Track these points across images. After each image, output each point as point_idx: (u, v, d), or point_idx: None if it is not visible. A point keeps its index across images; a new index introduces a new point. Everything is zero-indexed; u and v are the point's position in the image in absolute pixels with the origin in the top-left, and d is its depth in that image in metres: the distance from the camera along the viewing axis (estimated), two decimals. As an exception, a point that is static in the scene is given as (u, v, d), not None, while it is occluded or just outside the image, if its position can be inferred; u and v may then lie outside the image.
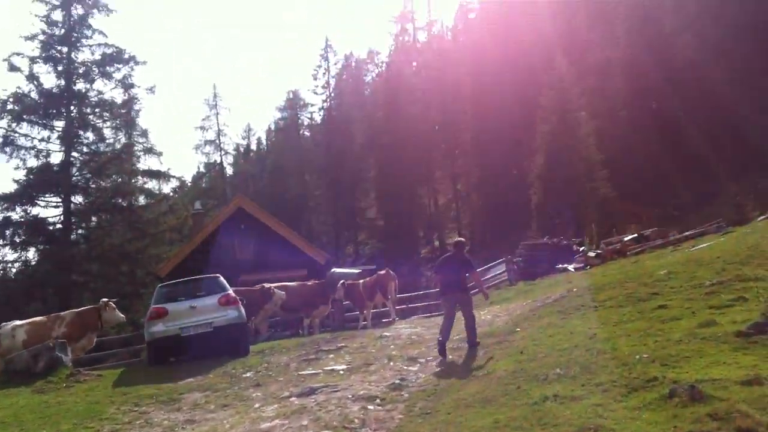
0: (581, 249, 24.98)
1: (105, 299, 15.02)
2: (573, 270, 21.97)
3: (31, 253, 31.55)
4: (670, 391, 6.34)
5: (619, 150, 41.55)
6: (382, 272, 19.43)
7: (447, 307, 11.66)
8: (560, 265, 22.79)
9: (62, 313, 15.00)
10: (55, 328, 14.19)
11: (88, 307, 15.32)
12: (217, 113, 72.84)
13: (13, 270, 30.81)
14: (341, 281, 18.94)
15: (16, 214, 30.53)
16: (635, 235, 24.46)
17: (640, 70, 42.79)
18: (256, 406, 8.94)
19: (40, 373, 12.24)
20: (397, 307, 20.07)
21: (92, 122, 33.13)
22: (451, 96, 59.02)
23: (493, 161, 49.64)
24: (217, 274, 14.98)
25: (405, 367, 10.07)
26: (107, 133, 34.18)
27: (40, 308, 27.01)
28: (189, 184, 72.07)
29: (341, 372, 10.27)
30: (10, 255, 30.69)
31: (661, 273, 12.40)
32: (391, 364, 10.44)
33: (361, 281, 19.46)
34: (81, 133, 32.81)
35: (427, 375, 9.44)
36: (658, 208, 38.74)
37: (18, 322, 14.47)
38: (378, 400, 8.27)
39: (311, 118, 79.01)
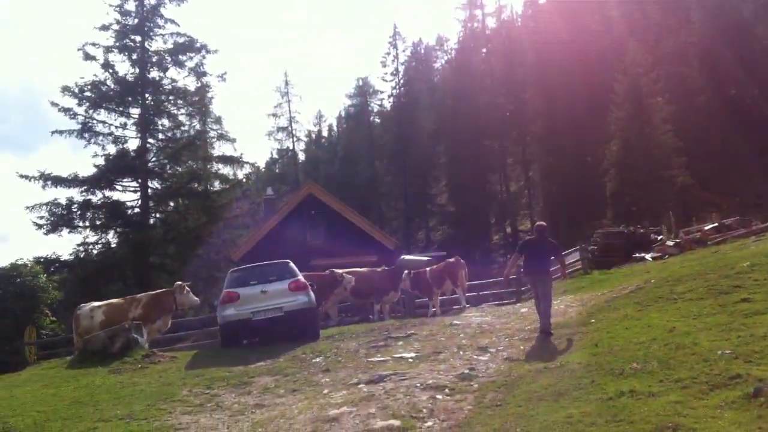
0: (659, 238, 24.24)
1: (180, 282, 15.31)
2: (650, 259, 21.33)
3: (111, 236, 32.42)
4: (755, 390, 6.04)
5: (696, 137, 40.33)
6: (452, 260, 19.25)
7: (532, 285, 12.21)
8: (637, 255, 22.16)
9: (138, 295, 15.36)
10: (132, 309, 14.54)
11: (164, 289, 15.66)
12: (289, 100, 73.53)
13: (94, 252, 31.66)
14: (406, 271, 18.74)
15: (95, 198, 31.46)
16: (716, 224, 23.59)
17: (716, 56, 41.44)
18: (325, 391, 8.93)
19: (116, 354, 12.54)
20: (468, 295, 19.88)
21: (167, 109, 33.75)
22: (521, 83, 58.19)
23: (565, 148, 48.74)
24: (288, 260, 15.08)
25: (475, 357, 9.89)
26: (182, 119, 34.81)
27: (119, 289, 27.80)
28: (262, 170, 73.33)
29: (410, 360, 10.17)
30: (91, 237, 31.57)
31: (744, 265, 11.90)
32: (461, 353, 10.28)
33: (428, 269, 19.26)
34: (156, 120, 33.53)
35: (497, 365, 9.26)
36: (738, 196, 37.45)
37: (96, 304, 14.90)
38: (447, 390, 8.14)
39: (381, 105, 79.06)
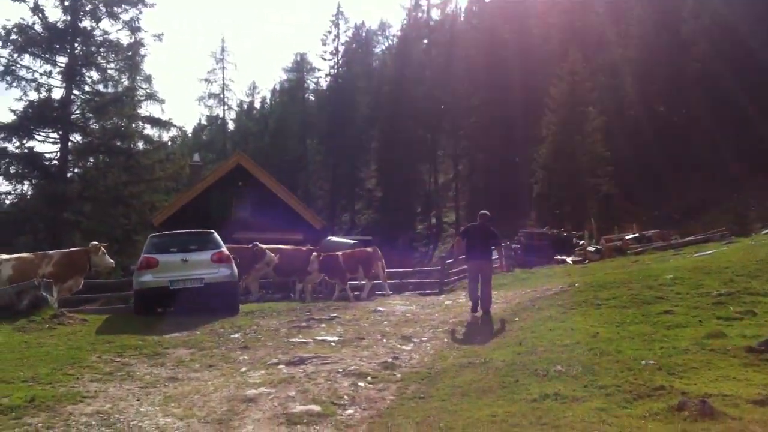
0: (581, 242, 24.72)
1: (95, 242, 14.65)
2: (571, 263, 21.72)
3: (26, 187, 31.17)
4: (680, 404, 6.04)
5: (624, 149, 41.50)
6: (369, 249, 18.89)
7: (473, 271, 12.89)
8: (558, 257, 22.53)
9: (50, 252, 14.61)
10: (42, 266, 13.82)
11: (78, 248, 14.94)
12: (224, 67, 72.10)
13: (7, 202, 30.43)
14: (314, 253, 17.78)
15: (12, 146, 30.13)
16: (636, 234, 24.22)
17: (651, 72, 42.57)
18: (243, 369, 8.64)
19: (23, 311, 11.88)
20: (390, 282, 19.77)
21: (96, 61, 32.58)
22: (459, 78, 58.52)
23: (497, 146, 49.37)
24: (212, 230, 14.63)
25: (398, 346, 9.76)
26: (111, 74, 33.60)
27: (30, 243, 26.70)
28: (190, 135, 71.60)
29: (332, 344, 9.96)
30: (4, 186, 30.33)
31: (667, 277, 12.13)
32: (384, 341, 10.13)
33: (340, 253, 18.39)
34: (84, 71, 32.27)
35: (420, 356, 9.14)
36: (659, 209, 38.58)
37: (5, 257, 14.11)
38: (369, 378, 7.97)
39: (317, 83, 78.48)
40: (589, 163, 39.75)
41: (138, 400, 7.35)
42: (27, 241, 27.48)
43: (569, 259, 22.43)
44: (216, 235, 14.34)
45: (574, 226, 30.78)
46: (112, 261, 14.79)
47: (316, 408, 6.80)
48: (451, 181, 62.10)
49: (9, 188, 30.41)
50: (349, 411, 6.81)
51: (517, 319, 10.94)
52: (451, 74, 59.43)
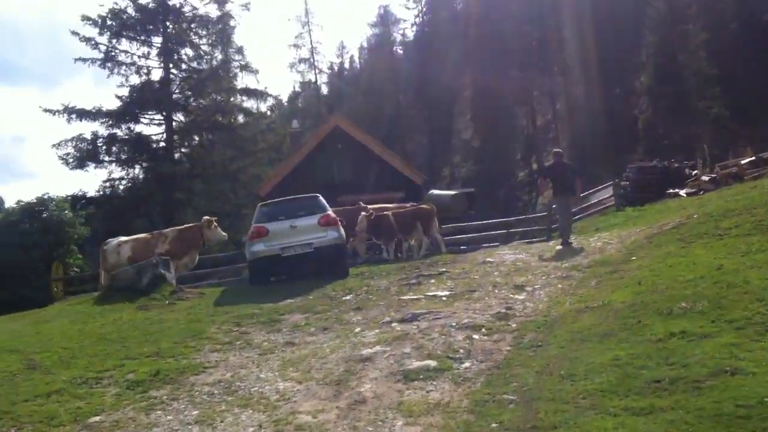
0: (694, 173, 23.57)
1: (207, 217, 15.06)
2: (684, 195, 20.76)
3: (137, 171, 32.33)
4: (820, 333, 5.65)
5: (730, 66, 38.88)
6: (424, 205, 18.33)
7: (562, 204, 14.86)
8: (671, 190, 21.57)
9: (165, 231, 15.16)
10: (159, 245, 14.35)
11: (191, 224, 15.41)
12: (310, 30, 71.84)
13: (121, 187, 31.64)
14: (364, 213, 17.13)
15: (121, 132, 31.27)
16: (753, 158, 22.83)
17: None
18: (357, 330, 8.68)
19: (144, 290, 12.40)
20: (497, 232, 19.53)
21: (189, 38, 33.21)
22: (548, 10, 56.37)
23: (595, 79, 47.46)
24: (317, 194, 14.75)
25: (511, 296, 9.55)
26: (205, 49, 34.19)
27: (146, 224, 27.77)
28: (285, 104, 72.49)
29: (444, 298, 9.87)
30: (117, 172, 31.58)
31: (793, 199, 11.39)
32: (496, 291, 9.95)
33: (391, 213, 17.56)
34: (179, 49, 32.96)
35: (535, 304, 8.92)
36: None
37: (123, 238, 14.73)
38: (483, 330, 7.84)
39: (404, 35, 77.41)
40: (695, 85, 37.71)
41: (257, 366, 7.51)
42: (143, 223, 28.58)
43: (683, 192, 21.44)
44: (321, 198, 14.46)
45: (685, 156, 29.40)
46: (224, 234, 15.19)
47: (432, 363, 6.76)
48: (549, 123, 60.45)
49: (122, 173, 31.66)
50: (466, 364, 6.73)
51: (633, 258, 10.51)
52: (539, 7, 57.25)
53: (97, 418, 6.16)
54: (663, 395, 5.09)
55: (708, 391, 5.02)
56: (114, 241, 14.67)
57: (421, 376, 6.45)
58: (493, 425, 4.97)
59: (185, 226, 15.50)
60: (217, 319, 10.01)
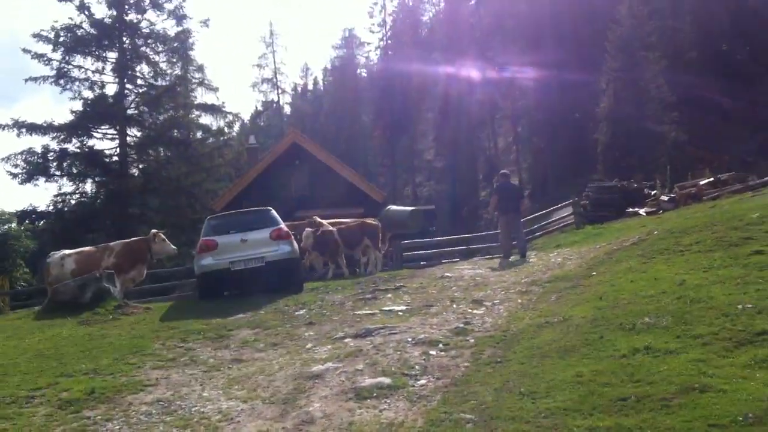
0: (653, 193, 23.66)
1: (154, 230, 14.51)
2: (644, 214, 20.78)
3: (89, 186, 31.51)
4: (789, 348, 5.41)
5: (687, 93, 39.59)
6: (370, 221, 18.11)
7: (505, 222, 15.82)
8: (631, 209, 21.58)
9: (111, 244, 14.56)
10: (105, 258, 13.74)
11: (138, 238, 14.82)
12: (274, 51, 71.89)
13: (72, 202, 30.75)
14: (308, 229, 16.70)
15: (72, 146, 30.46)
16: (711, 179, 23.00)
17: (708, 11, 40.59)
18: (308, 346, 8.27)
19: (87, 304, 11.81)
20: (457, 249, 19.31)
21: (145, 54, 32.63)
22: (510, 35, 56.91)
23: (556, 103, 47.89)
24: (269, 207, 14.30)
25: (469, 311, 9.22)
26: (162, 66, 33.61)
27: (100, 239, 26.97)
28: (247, 122, 71.99)
29: (400, 313, 9.50)
30: (68, 186, 30.68)
31: (753, 216, 11.22)
32: (454, 306, 9.62)
33: (335, 229, 17.22)
34: (134, 65, 32.36)
35: (494, 319, 8.59)
36: (730, 153, 36.85)
37: (67, 252, 14.10)
38: (441, 345, 7.49)
39: (368, 58, 77.65)
40: (654, 110, 38.23)
41: (201, 384, 7.06)
42: (96, 237, 27.76)
43: (642, 211, 21.46)
44: (273, 212, 14.00)
45: (643, 177, 29.58)
46: (173, 247, 14.62)
47: (386, 380, 6.38)
48: (511, 144, 60.85)
49: (72, 188, 30.77)
50: (422, 381, 6.37)
51: (594, 273, 10.26)
52: (502, 32, 57.83)
53: (21, 442, 5.67)
54: (630, 414, 4.79)
55: (677, 410, 4.73)
56: (58, 254, 14.03)
57: (375, 394, 6.08)
58: (449, 446, 4.59)
59: (132, 239, 14.92)
60: (161, 335, 9.50)
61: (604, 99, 40.98)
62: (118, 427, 5.92)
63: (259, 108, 79.03)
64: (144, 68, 32.81)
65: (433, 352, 7.23)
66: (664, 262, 9.80)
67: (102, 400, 6.61)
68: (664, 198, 21.82)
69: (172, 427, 5.80)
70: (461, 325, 8.27)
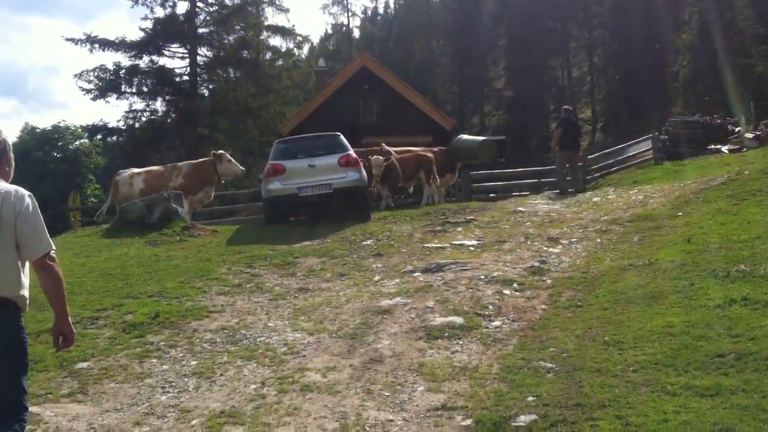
0: (737, 129, 22.44)
1: (221, 150, 14.30)
2: (727, 152, 19.69)
3: (159, 104, 31.59)
4: None
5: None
6: (426, 153, 17.12)
7: (566, 157, 16.50)
8: (712, 146, 20.51)
9: (179, 164, 14.46)
10: (173, 178, 13.64)
11: (205, 159, 14.64)
12: (345, -29, 70.13)
13: (143, 119, 30.96)
14: (380, 157, 15.72)
15: (143, 63, 30.45)
16: (800, 116, 21.66)
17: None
18: (376, 278, 8.01)
19: (155, 224, 11.78)
20: (528, 182, 18.77)
21: (216, -30, 32.04)
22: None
23: (634, 32, 45.74)
24: (337, 133, 13.92)
25: (545, 248, 8.79)
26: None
27: (168, 159, 27.18)
28: (316, 45, 71.15)
29: (471, 248, 9.13)
30: (138, 104, 30.81)
31: None
32: (529, 243, 9.19)
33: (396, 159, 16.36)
34: (205, -17, 31.88)
35: (572, 259, 8.16)
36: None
37: (136, 170, 14.07)
38: (515, 285, 7.13)
39: (441, -19, 75.13)
40: (740, 43, 36.20)
41: (266, 313, 6.90)
42: (166, 156, 27.95)
43: (725, 148, 20.34)
44: (342, 137, 13.60)
45: (726, 113, 28.15)
46: (241, 168, 14.39)
47: (458, 320, 6.08)
48: (585, 75, 58.82)
49: (142, 105, 30.91)
50: (496, 323, 6.05)
51: (680, 214, 9.66)
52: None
53: (85, 365, 5.58)
54: (730, 373, 4.35)
55: (786, 371, 4.27)
56: (126, 172, 14.01)
57: (446, 334, 5.80)
58: (530, 398, 4.25)
59: (200, 160, 14.76)
60: (228, 259, 9.36)
61: (687, 30, 38.99)
62: (181, 354, 5.79)
63: (329, 31, 77.99)
64: (216, -14, 32.28)
65: (507, 292, 6.88)
66: (757, 205, 9.17)
67: (166, 324, 6.50)
68: (749, 135, 20.64)
69: (237, 357, 5.63)
70: (537, 264, 7.88)
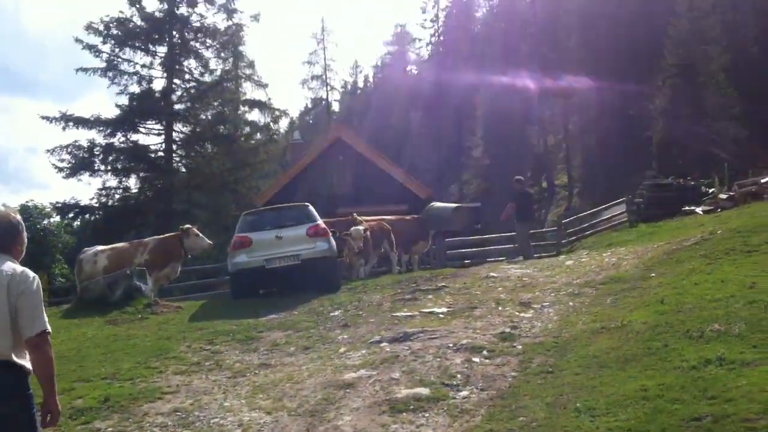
0: (711, 191, 22.57)
1: (188, 225, 14.02)
2: (701, 213, 19.73)
3: (132, 181, 31.27)
4: None
5: (749, 88, 38.04)
6: (383, 223, 16.68)
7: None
8: (687, 208, 20.54)
9: (145, 240, 14.18)
10: (138, 254, 13.33)
11: (171, 234, 14.35)
12: (324, 47, 71.15)
13: (116, 197, 30.59)
14: (361, 228, 14.98)
15: (117, 141, 30.22)
16: (773, 177, 21.80)
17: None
18: (342, 350, 7.70)
19: (117, 303, 11.40)
20: (504, 247, 18.63)
21: (194, 48, 32.05)
22: (565, 31, 55.70)
23: (609, 99, 46.57)
24: (306, 203, 13.73)
25: (516, 314, 8.52)
26: (212, 63, 33.12)
27: (143, 236, 26.80)
28: (296, 120, 71.77)
29: (441, 315, 8.85)
30: (111, 181, 30.46)
31: (829, 215, 10.36)
32: (500, 308, 8.92)
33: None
34: (182, 59, 31.93)
35: (543, 324, 7.89)
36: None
37: (100, 248, 13.73)
38: (485, 352, 6.85)
39: (418, 54, 76.68)
40: (713, 107, 36.83)
41: (224, 392, 6.54)
42: (141, 234, 27.54)
43: (699, 210, 20.40)
44: (311, 207, 13.42)
45: (700, 175, 28.38)
46: (208, 242, 14.05)
47: (425, 391, 5.80)
48: (561, 142, 59.57)
49: (116, 182, 30.60)
50: (464, 392, 5.77)
51: (653, 275, 9.46)
52: (557, 28, 56.52)
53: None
54: (706, 438, 4.08)
55: (765, 434, 4.01)
56: (90, 250, 13.65)
57: (411, 407, 5.51)
58: (493, 474, 3.94)
59: (166, 235, 14.48)
60: (189, 336, 9.00)
61: (660, 95, 39.69)
62: (128, 440, 5.42)
63: (309, 105, 78.84)
64: (192, 63, 32.32)
65: (476, 360, 6.60)
66: (731, 264, 9.00)
67: (116, 409, 6.13)
68: (723, 196, 20.74)
69: (186, 441, 5.28)
70: (508, 330, 7.61)
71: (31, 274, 3.76)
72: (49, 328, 3.77)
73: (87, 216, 29.36)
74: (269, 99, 35.13)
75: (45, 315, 3.78)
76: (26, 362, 3.73)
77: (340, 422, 5.35)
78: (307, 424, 5.42)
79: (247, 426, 5.50)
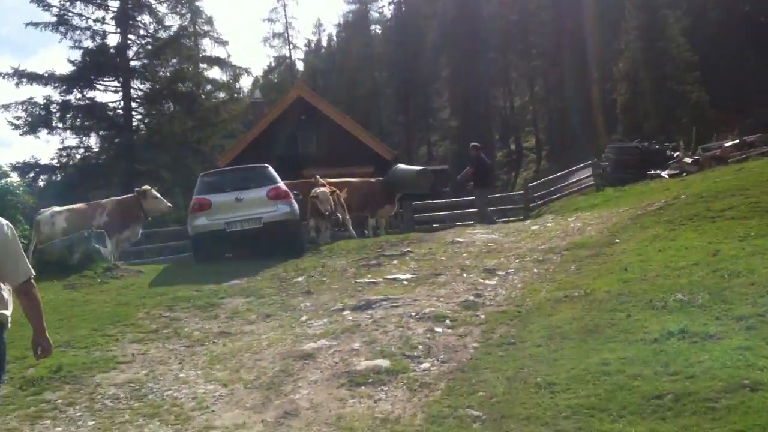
0: (675, 155, 22.65)
1: (146, 186, 13.65)
2: (667, 177, 19.80)
3: (93, 140, 30.46)
4: None
5: (709, 53, 38.24)
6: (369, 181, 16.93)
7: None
8: (653, 171, 20.60)
9: (103, 201, 13.78)
10: (96, 216, 12.96)
11: (130, 195, 13.97)
12: (285, 4, 69.96)
13: (77, 156, 29.86)
14: (326, 189, 14.48)
15: (74, 98, 29.32)
16: (736, 141, 21.94)
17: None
18: (303, 318, 7.56)
19: (75, 266, 11.09)
20: (472, 210, 18.60)
21: (148, 2, 31.03)
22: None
23: (573, 63, 46.51)
24: (266, 164, 13.39)
25: (481, 281, 8.44)
26: (167, 19, 32.11)
27: (107, 196, 26.24)
28: (260, 79, 70.60)
29: (405, 282, 8.75)
30: (71, 140, 29.64)
31: (791, 180, 10.40)
32: (464, 275, 8.83)
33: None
34: (136, 15, 30.92)
35: (507, 291, 7.82)
36: (752, 116, 35.62)
37: (57, 209, 13.31)
38: (448, 321, 6.75)
39: (381, 13, 75.50)
40: (674, 71, 37.02)
41: (180, 363, 6.38)
42: (105, 194, 26.92)
43: (664, 173, 20.46)
44: (271, 169, 13.06)
45: (665, 139, 28.52)
46: (168, 204, 13.68)
47: (385, 363, 5.69)
48: (527, 104, 59.54)
49: (76, 141, 29.78)
50: (425, 364, 5.67)
51: (617, 241, 9.45)
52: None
53: (-29, 428, 5.00)
54: (667, 417, 4.05)
55: (725, 414, 3.97)
56: (47, 211, 13.21)
57: (370, 380, 5.40)
58: (451, 454, 3.84)
59: (124, 196, 14.11)
60: (148, 302, 8.76)
61: (623, 58, 39.78)
62: (79, 414, 5.26)
63: (272, 64, 77.47)
64: (146, 18, 31.09)
65: (438, 330, 6.50)
66: (695, 230, 9.03)
67: (68, 379, 5.94)
68: (688, 160, 20.82)
69: (139, 415, 5.13)
70: (471, 298, 7.53)
71: (4, 222, 3.73)
72: (33, 273, 3.93)
73: (48, 176, 28.58)
74: (229, 56, 34.40)
75: (27, 261, 3.87)
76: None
77: (297, 396, 5.23)
78: (263, 397, 5.29)
79: (201, 399, 5.34)
